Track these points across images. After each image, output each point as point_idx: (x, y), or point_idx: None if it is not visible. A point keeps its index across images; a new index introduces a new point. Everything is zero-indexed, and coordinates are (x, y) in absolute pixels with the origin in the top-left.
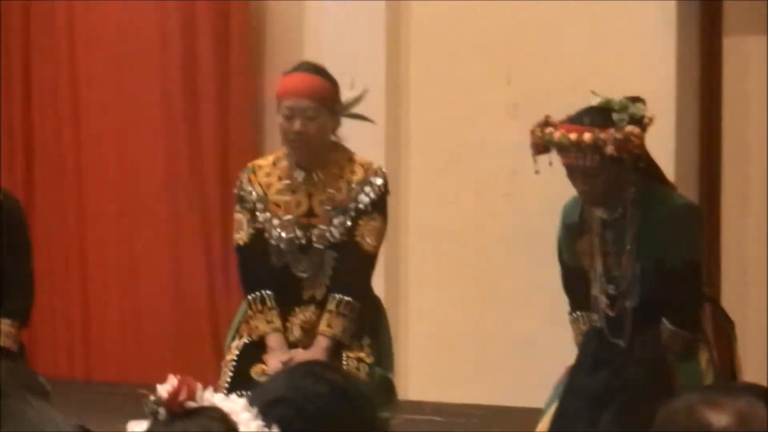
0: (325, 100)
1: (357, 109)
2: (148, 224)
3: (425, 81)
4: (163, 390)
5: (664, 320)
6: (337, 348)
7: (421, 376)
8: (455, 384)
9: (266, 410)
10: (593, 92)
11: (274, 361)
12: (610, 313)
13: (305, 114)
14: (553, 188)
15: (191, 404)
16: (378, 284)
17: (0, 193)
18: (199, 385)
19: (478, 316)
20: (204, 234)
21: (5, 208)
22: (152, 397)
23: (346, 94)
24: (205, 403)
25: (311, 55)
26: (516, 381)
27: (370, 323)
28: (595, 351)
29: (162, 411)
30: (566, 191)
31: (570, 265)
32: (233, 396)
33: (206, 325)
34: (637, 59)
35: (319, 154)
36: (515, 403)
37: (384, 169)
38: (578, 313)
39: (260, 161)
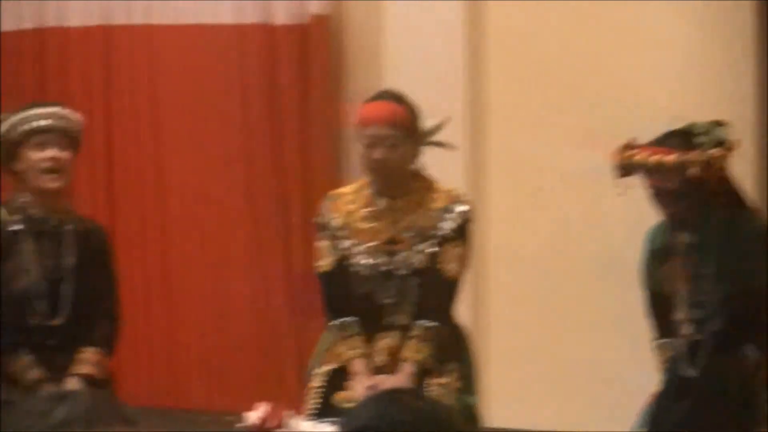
0: (406, 128)
1: (437, 137)
2: (230, 251)
3: (505, 107)
4: (252, 417)
5: (749, 346)
6: (422, 374)
7: (505, 402)
8: (539, 410)
9: None
10: (676, 117)
11: (359, 386)
12: (695, 338)
13: (386, 142)
14: (636, 213)
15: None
16: (462, 311)
17: (86, 221)
18: (287, 413)
19: (561, 342)
20: (286, 261)
21: (92, 235)
22: (241, 424)
23: (426, 122)
24: (293, 431)
25: (390, 82)
26: (599, 408)
27: (455, 349)
28: (678, 378)
29: None
30: (649, 216)
31: (655, 290)
32: (321, 424)
33: (290, 353)
34: (721, 85)
35: (400, 181)
36: (598, 430)
37: (467, 197)
38: (662, 339)
39: (343, 189)
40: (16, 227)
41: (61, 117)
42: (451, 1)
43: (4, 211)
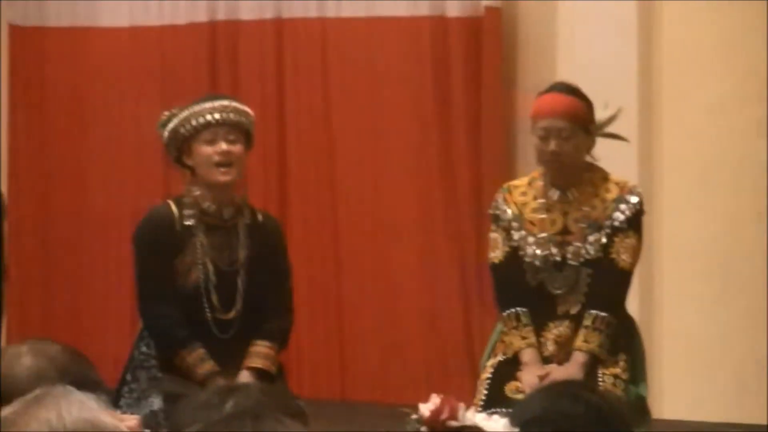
0: (580, 120)
1: (610, 129)
2: (401, 244)
3: (677, 99)
4: (426, 409)
5: None
6: (593, 364)
7: (676, 394)
8: (710, 402)
9: (523, 430)
10: None
11: (529, 376)
12: None
13: (560, 134)
14: None
15: (453, 423)
16: (632, 302)
17: (260, 213)
18: (462, 405)
19: (732, 333)
20: (458, 254)
21: (266, 228)
22: (414, 416)
23: (600, 114)
24: (467, 423)
25: (563, 75)
26: None
27: (625, 340)
28: None
29: (424, 430)
30: None
31: None
32: (494, 416)
33: (461, 344)
34: None
35: (574, 173)
36: None
37: (639, 188)
38: None
39: (516, 182)
40: (189, 222)
41: (232, 110)
42: None
43: (176, 206)
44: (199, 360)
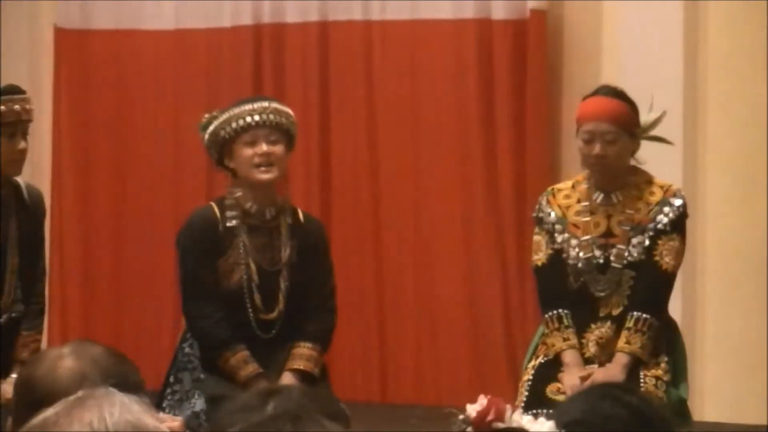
0: (625, 123)
1: (655, 132)
2: (443, 247)
3: (722, 102)
4: (473, 410)
5: None
6: (634, 365)
7: (718, 397)
8: (752, 405)
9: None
10: None
11: (570, 377)
12: None
13: (605, 137)
14: None
15: (499, 425)
16: (675, 304)
17: (303, 214)
18: (508, 407)
19: None
20: (500, 256)
21: (309, 228)
22: (461, 416)
23: (644, 117)
24: (513, 425)
25: (608, 78)
26: None
27: (667, 342)
28: None
29: (470, 430)
30: None
31: None
32: (540, 418)
33: (502, 347)
34: None
35: (618, 176)
36: None
37: (683, 192)
38: None
39: (559, 185)
40: (232, 223)
41: (272, 112)
42: None
43: (218, 208)
44: (243, 362)
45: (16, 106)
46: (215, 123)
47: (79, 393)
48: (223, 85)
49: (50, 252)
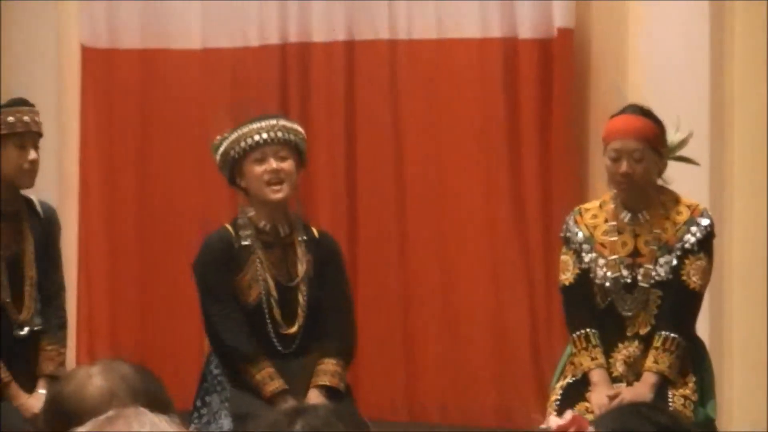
0: (652, 141)
1: (682, 152)
2: (469, 265)
3: (749, 122)
4: (555, 422)
5: None
6: (662, 385)
7: (746, 413)
8: None
9: None
10: None
11: (598, 396)
12: None
13: (632, 155)
14: None
15: None
16: (702, 324)
17: (316, 230)
18: (591, 428)
19: None
20: (527, 275)
21: (323, 244)
22: (543, 426)
23: (671, 137)
24: None
25: (634, 98)
26: None
27: (694, 362)
28: None
29: None
30: None
31: None
32: None
33: (529, 366)
34: None
35: (645, 195)
36: None
37: (709, 211)
38: None
39: (587, 205)
40: (246, 241)
41: (280, 129)
42: (698, 17)
43: (232, 228)
44: (268, 378)
45: (26, 117)
46: (225, 143)
47: (110, 412)
48: (249, 104)
49: (77, 269)
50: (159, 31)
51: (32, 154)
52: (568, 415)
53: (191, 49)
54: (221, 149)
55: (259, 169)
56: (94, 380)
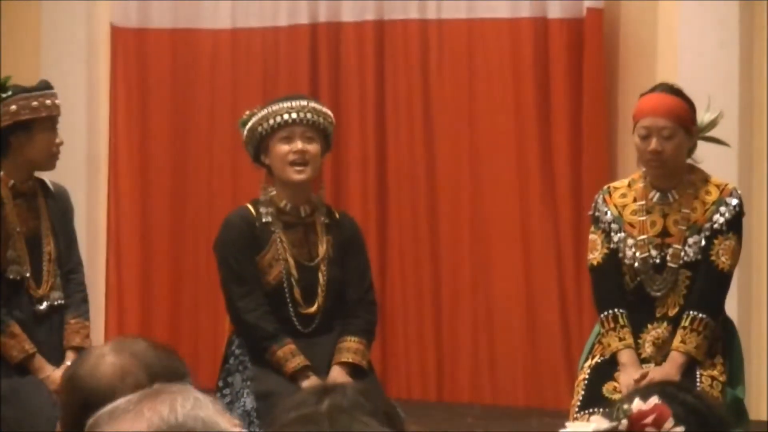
0: (682, 119)
1: (712, 131)
2: (500, 245)
3: None
4: (638, 405)
5: None
6: (690, 365)
7: None
8: None
9: None
10: None
11: (626, 377)
12: None
13: (662, 133)
14: None
15: (652, 431)
16: (731, 304)
17: (336, 211)
18: (671, 420)
19: None
20: (557, 255)
21: (344, 225)
22: (626, 406)
23: (701, 116)
24: None
25: (664, 77)
26: None
27: (723, 342)
28: None
29: (625, 423)
30: None
31: None
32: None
33: (559, 345)
34: None
35: (674, 174)
36: None
37: (739, 191)
38: None
39: (615, 183)
40: (267, 219)
41: (310, 110)
42: None
43: (253, 207)
44: (290, 354)
45: (48, 101)
46: (253, 119)
47: (156, 385)
48: (279, 84)
49: (107, 252)
50: (189, 10)
51: (59, 138)
52: (653, 401)
53: (221, 28)
54: (249, 124)
55: (285, 148)
56: (107, 359)
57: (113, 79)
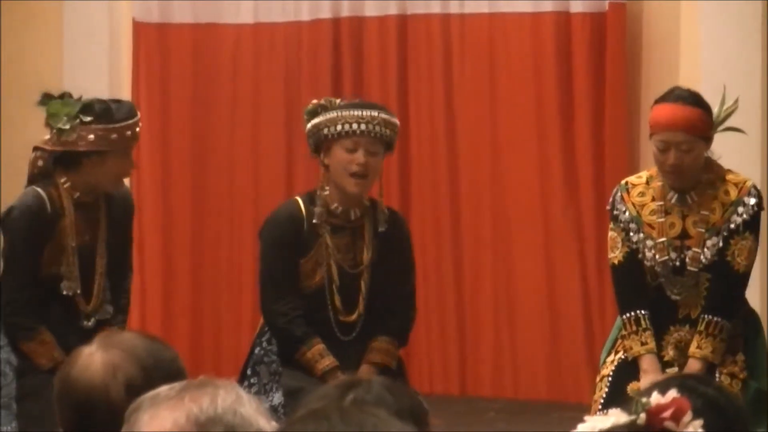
0: (700, 130)
1: (732, 122)
2: (522, 240)
3: None
4: (657, 399)
5: None
6: (708, 369)
7: None
8: None
9: None
10: None
11: (647, 383)
12: None
13: (680, 147)
14: None
15: (671, 425)
16: (754, 297)
17: (387, 212)
18: (689, 414)
19: None
20: (579, 250)
21: (391, 229)
22: (644, 399)
23: (717, 111)
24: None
25: (686, 72)
26: None
27: (745, 339)
28: None
29: (643, 417)
30: None
31: None
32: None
33: (581, 340)
34: None
35: (693, 177)
36: None
37: (758, 186)
38: None
39: (633, 179)
40: (316, 220)
41: (379, 122)
42: None
43: (304, 205)
44: (319, 355)
45: (128, 132)
46: (321, 118)
47: (202, 377)
48: (302, 78)
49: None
50: (211, 5)
51: (131, 163)
52: (672, 394)
53: (243, 23)
54: (315, 121)
55: (347, 157)
56: (95, 357)
57: (135, 74)
